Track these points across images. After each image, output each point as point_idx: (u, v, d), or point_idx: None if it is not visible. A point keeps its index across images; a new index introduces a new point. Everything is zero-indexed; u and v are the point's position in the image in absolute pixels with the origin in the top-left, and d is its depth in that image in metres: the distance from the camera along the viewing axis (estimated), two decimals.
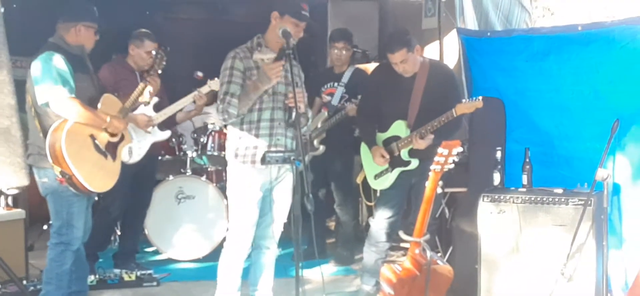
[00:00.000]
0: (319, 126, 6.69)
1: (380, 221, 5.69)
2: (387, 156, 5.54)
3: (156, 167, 6.91)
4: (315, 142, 6.70)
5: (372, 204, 6.19)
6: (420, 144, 5.36)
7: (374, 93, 5.74)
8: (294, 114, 4.62)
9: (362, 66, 7.28)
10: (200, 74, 6.89)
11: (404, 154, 5.50)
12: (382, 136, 5.63)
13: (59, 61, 4.83)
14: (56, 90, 4.76)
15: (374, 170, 5.69)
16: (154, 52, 5.52)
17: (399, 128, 5.53)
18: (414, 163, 5.49)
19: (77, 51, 5.05)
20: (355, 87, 6.61)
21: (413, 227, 4.76)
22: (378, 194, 5.88)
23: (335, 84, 6.86)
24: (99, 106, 5.01)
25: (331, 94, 6.85)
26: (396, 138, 5.53)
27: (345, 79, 6.84)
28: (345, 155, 6.87)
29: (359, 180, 6.11)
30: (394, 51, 5.40)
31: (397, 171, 5.56)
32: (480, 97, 5.30)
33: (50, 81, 4.77)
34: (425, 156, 5.35)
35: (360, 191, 6.21)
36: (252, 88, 4.73)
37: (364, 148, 5.80)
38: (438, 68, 5.66)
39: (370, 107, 5.76)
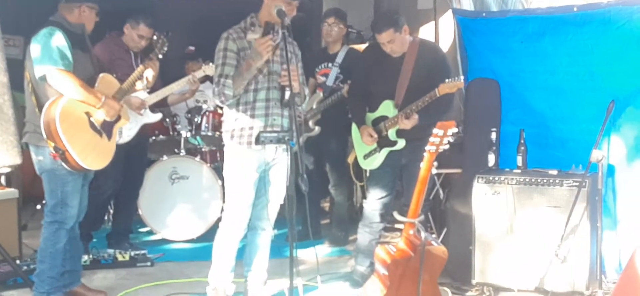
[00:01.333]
0: (314, 107, 6.67)
1: (372, 202, 5.69)
2: (375, 136, 5.53)
3: (147, 147, 6.90)
4: (311, 123, 6.68)
5: (362, 184, 6.19)
6: (406, 124, 5.36)
7: (363, 73, 5.74)
8: (287, 93, 4.61)
9: (356, 46, 7.26)
10: (191, 48, 6.87)
11: (392, 134, 5.50)
12: (371, 116, 5.63)
13: (59, 37, 4.82)
14: (51, 64, 4.75)
15: (363, 150, 5.70)
16: (154, 37, 5.48)
17: (386, 108, 5.53)
18: (401, 143, 5.49)
19: (77, 30, 5.03)
20: (350, 67, 6.59)
21: (406, 208, 4.76)
22: (368, 174, 5.87)
23: (330, 64, 6.85)
24: (96, 85, 4.98)
25: (326, 75, 6.82)
26: (384, 118, 5.53)
27: (339, 59, 6.82)
28: (340, 136, 6.86)
29: (350, 160, 6.12)
30: (381, 31, 5.39)
31: (385, 151, 5.56)
32: (463, 77, 5.29)
33: (48, 56, 4.76)
34: (413, 136, 5.37)
35: (351, 171, 6.21)
36: (245, 67, 4.71)
37: (354, 127, 5.80)
38: (427, 48, 5.64)
39: (360, 88, 5.76)
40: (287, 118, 4.90)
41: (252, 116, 4.83)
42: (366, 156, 5.69)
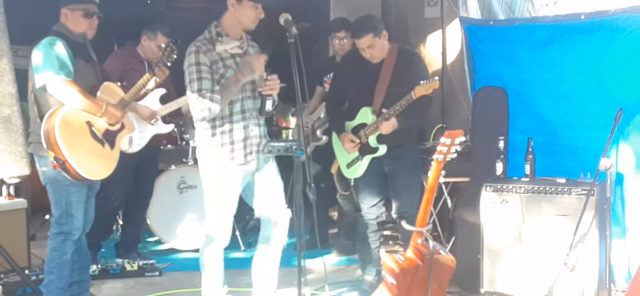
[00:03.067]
0: (322, 116, 6.66)
1: (366, 210, 5.66)
2: (357, 141, 5.48)
3: (158, 157, 6.90)
4: (319, 132, 6.66)
5: (347, 193, 6.15)
6: (385, 128, 5.33)
7: (342, 80, 5.72)
8: (268, 103, 4.60)
9: None
10: None
11: (372, 140, 5.45)
12: (350, 125, 5.58)
13: (59, 46, 4.81)
14: (52, 73, 4.73)
15: (346, 159, 5.66)
16: (163, 45, 5.49)
17: (365, 115, 5.49)
18: (382, 149, 5.43)
19: (79, 39, 5.02)
20: None
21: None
22: (352, 183, 5.84)
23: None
24: (98, 94, 4.98)
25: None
26: (363, 126, 5.49)
27: None
28: None
29: (333, 170, 6.08)
30: (360, 36, 5.37)
31: (367, 158, 5.51)
32: (436, 78, 5.26)
33: (48, 66, 4.75)
34: (393, 142, 5.36)
35: (335, 181, 6.18)
36: (232, 81, 4.66)
37: (334, 136, 5.77)
38: (406, 54, 5.59)
39: (338, 95, 5.74)
40: (263, 127, 4.87)
41: (231, 130, 4.76)
42: (349, 165, 5.65)
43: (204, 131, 4.82)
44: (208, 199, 4.92)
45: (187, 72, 4.72)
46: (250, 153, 4.78)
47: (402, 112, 5.27)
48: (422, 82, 5.20)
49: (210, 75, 4.69)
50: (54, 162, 4.71)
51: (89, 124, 4.88)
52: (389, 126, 5.30)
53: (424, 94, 5.20)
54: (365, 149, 5.51)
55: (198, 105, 4.67)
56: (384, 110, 5.33)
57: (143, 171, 6.49)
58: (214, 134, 4.78)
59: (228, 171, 4.79)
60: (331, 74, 6.86)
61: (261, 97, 4.74)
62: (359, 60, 5.51)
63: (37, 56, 4.81)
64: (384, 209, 5.66)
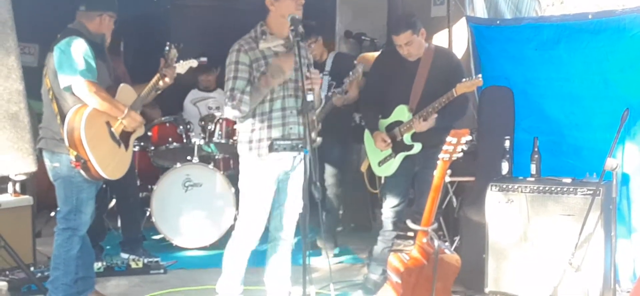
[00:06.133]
0: (314, 118, 6.61)
1: (386, 209, 5.69)
2: (389, 141, 5.52)
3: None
4: (313, 134, 6.61)
5: (376, 192, 6.16)
6: (423, 126, 5.34)
7: (378, 78, 5.74)
8: (307, 96, 4.57)
9: (369, 54, 7.24)
10: (203, 59, 6.85)
11: (407, 138, 5.48)
12: (384, 122, 5.61)
13: (82, 45, 4.82)
14: (79, 75, 4.75)
15: (378, 157, 5.68)
16: (166, 48, 5.47)
17: (401, 113, 5.51)
18: (417, 147, 5.47)
19: (98, 40, 5.04)
20: (340, 72, 6.50)
21: (418, 216, 4.75)
22: (382, 181, 5.86)
23: (320, 74, 6.78)
24: (116, 96, 5.01)
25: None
26: (398, 123, 5.52)
27: (327, 66, 6.79)
28: (340, 143, 6.82)
29: (363, 168, 6.08)
30: (399, 33, 5.39)
31: (400, 156, 5.54)
32: (480, 75, 5.27)
33: (75, 67, 4.76)
34: (428, 142, 5.36)
35: (365, 179, 6.18)
36: (263, 83, 4.66)
37: (367, 134, 5.78)
38: (443, 54, 5.64)
39: (374, 93, 5.75)
40: (304, 126, 4.86)
41: (269, 127, 4.76)
42: (381, 163, 5.68)
43: (243, 126, 4.85)
44: (242, 195, 4.92)
45: (226, 71, 4.77)
46: (278, 150, 4.74)
47: (439, 112, 5.30)
48: (464, 79, 5.22)
49: (247, 74, 4.71)
50: (76, 161, 4.73)
51: (108, 124, 4.92)
52: (426, 124, 5.32)
53: (465, 91, 5.25)
54: (399, 147, 5.53)
55: (228, 103, 4.71)
56: (417, 108, 5.38)
57: None
58: (253, 130, 4.78)
59: (263, 167, 4.78)
60: (321, 73, 6.79)
61: (302, 96, 4.71)
62: (395, 58, 5.53)
63: (62, 55, 4.82)
64: (403, 212, 5.66)
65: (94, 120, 4.80)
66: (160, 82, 5.29)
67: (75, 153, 4.73)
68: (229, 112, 4.78)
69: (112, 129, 4.94)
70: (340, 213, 7.66)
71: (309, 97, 4.48)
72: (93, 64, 4.84)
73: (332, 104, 6.43)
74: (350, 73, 6.22)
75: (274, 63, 4.66)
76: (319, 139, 6.52)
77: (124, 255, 6.47)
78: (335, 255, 6.80)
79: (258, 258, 5.09)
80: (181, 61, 5.57)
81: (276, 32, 4.79)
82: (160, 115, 7.46)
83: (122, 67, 6.56)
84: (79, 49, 4.81)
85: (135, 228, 6.82)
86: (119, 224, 7.15)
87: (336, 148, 6.78)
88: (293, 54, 4.60)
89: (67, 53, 4.81)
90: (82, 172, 4.79)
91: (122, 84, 5.13)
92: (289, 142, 4.58)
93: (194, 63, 5.77)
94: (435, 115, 5.31)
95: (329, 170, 6.90)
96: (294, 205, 4.92)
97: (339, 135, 6.73)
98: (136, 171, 7.04)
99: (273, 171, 4.80)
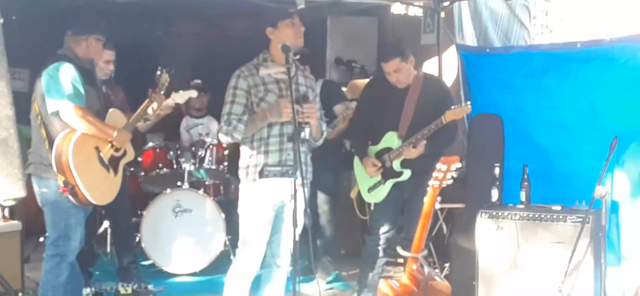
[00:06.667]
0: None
1: (376, 236, 5.68)
2: (379, 165, 5.53)
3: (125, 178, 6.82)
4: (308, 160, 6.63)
5: (366, 218, 6.16)
6: (412, 153, 5.36)
7: (367, 105, 5.76)
8: (305, 129, 4.59)
9: (360, 81, 7.26)
10: (198, 81, 6.88)
11: (396, 165, 5.49)
12: (374, 149, 5.63)
13: (70, 70, 4.82)
14: (66, 100, 4.75)
15: (368, 183, 5.69)
16: (158, 72, 5.46)
17: (390, 140, 5.53)
18: (406, 174, 5.48)
19: (86, 65, 5.04)
20: (328, 100, 6.48)
21: (407, 243, 4.75)
22: (371, 208, 5.86)
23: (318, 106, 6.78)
24: (106, 120, 5.00)
25: None
26: (388, 150, 5.54)
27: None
28: (331, 171, 6.82)
29: (353, 195, 6.09)
30: (388, 60, 5.43)
31: (390, 182, 5.55)
32: (469, 102, 5.30)
33: (62, 91, 4.76)
34: (418, 169, 5.38)
35: (355, 205, 6.18)
36: (261, 117, 4.68)
37: (356, 161, 5.79)
38: (432, 82, 5.67)
39: (363, 120, 5.77)
40: (302, 154, 4.78)
41: (266, 152, 4.75)
42: (370, 189, 5.69)
43: (243, 151, 4.86)
44: (240, 221, 4.90)
45: (226, 95, 4.81)
46: (269, 176, 4.74)
47: (429, 138, 5.31)
48: (453, 106, 5.25)
49: (245, 100, 4.75)
50: (64, 186, 4.71)
51: (97, 149, 4.91)
52: (415, 151, 5.33)
53: (454, 118, 5.28)
54: (388, 173, 5.55)
55: (223, 127, 4.75)
56: (406, 135, 5.40)
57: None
58: (250, 156, 4.79)
59: (260, 192, 4.77)
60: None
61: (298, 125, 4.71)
62: (385, 85, 5.56)
63: (50, 80, 4.81)
64: (393, 238, 5.66)
65: (83, 145, 4.79)
66: (149, 109, 5.29)
67: (63, 179, 4.71)
68: (223, 136, 4.81)
69: (101, 154, 4.93)
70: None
71: (303, 133, 4.49)
72: (81, 89, 4.83)
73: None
74: (343, 111, 6.24)
75: (276, 102, 4.67)
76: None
77: (112, 284, 6.41)
78: (327, 282, 6.80)
79: (253, 284, 5.07)
80: (181, 91, 5.59)
81: (277, 60, 4.79)
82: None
83: (121, 94, 6.54)
84: (67, 74, 4.81)
85: (128, 253, 6.77)
86: (109, 249, 7.13)
87: (329, 175, 6.78)
88: (297, 106, 4.58)
89: (55, 78, 4.80)
90: (70, 197, 4.77)
91: (111, 109, 5.13)
92: (279, 168, 4.58)
93: (193, 93, 5.80)
94: (424, 142, 5.34)
95: (323, 197, 6.90)
96: (290, 232, 4.90)
97: (331, 162, 6.73)
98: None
99: (269, 197, 4.78)
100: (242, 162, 4.85)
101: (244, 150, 4.84)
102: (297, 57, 4.63)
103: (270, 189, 4.75)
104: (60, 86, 4.78)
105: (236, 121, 4.70)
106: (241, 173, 4.86)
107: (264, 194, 4.77)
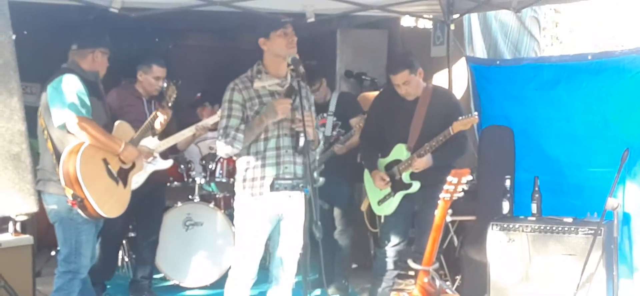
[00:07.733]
0: (317, 158, 6.61)
1: (386, 249, 5.67)
2: (387, 179, 5.53)
3: (164, 194, 6.87)
4: (315, 174, 6.59)
5: (376, 230, 6.16)
6: (420, 164, 5.36)
7: (376, 118, 5.76)
8: (301, 140, 4.59)
9: (370, 94, 7.25)
10: (198, 94, 6.90)
11: (405, 177, 5.49)
12: (383, 161, 5.63)
13: (74, 81, 4.81)
14: (72, 111, 4.74)
15: (377, 196, 5.69)
16: (164, 85, 5.50)
17: (399, 152, 5.54)
18: (415, 186, 5.47)
19: (91, 77, 5.03)
20: (345, 112, 6.51)
21: (418, 256, 4.73)
22: (382, 220, 5.86)
23: (325, 114, 6.79)
24: (113, 132, 5.01)
25: (323, 125, 6.77)
26: (397, 162, 5.54)
27: (332, 107, 6.75)
28: (351, 181, 6.81)
29: (363, 208, 6.08)
30: (397, 72, 5.44)
31: (399, 195, 5.55)
32: (476, 113, 5.29)
33: (68, 104, 4.75)
34: (427, 181, 5.37)
35: (365, 218, 6.17)
36: (256, 122, 4.66)
37: (366, 173, 5.79)
38: (441, 94, 5.67)
39: (373, 132, 5.77)
40: (300, 165, 4.78)
41: (263, 165, 4.73)
42: (380, 202, 5.68)
43: (239, 164, 4.85)
44: (236, 233, 4.90)
45: (221, 109, 4.81)
46: (279, 190, 4.75)
47: (437, 150, 5.31)
48: (460, 117, 5.25)
49: (240, 113, 4.73)
50: (72, 199, 4.70)
51: (105, 161, 4.90)
52: (423, 162, 5.34)
53: (462, 129, 5.28)
54: (397, 186, 5.55)
55: (221, 142, 4.72)
56: (415, 147, 5.41)
57: (147, 208, 6.45)
58: (247, 169, 4.77)
59: (256, 206, 4.75)
60: (319, 116, 6.77)
61: (296, 134, 4.71)
62: (394, 97, 5.57)
63: (54, 93, 4.82)
64: (404, 251, 5.65)
65: (90, 157, 4.78)
66: (157, 123, 5.30)
67: (72, 192, 4.69)
68: (222, 149, 4.76)
69: (109, 166, 4.92)
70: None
71: (301, 139, 4.50)
72: (87, 100, 4.83)
73: (333, 151, 6.42)
74: (357, 123, 6.23)
75: (270, 104, 4.68)
76: (321, 179, 6.54)
77: None
78: None
79: None
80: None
81: (271, 72, 4.79)
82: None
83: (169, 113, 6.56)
84: (71, 86, 4.80)
85: (146, 268, 6.72)
86: (120, 263, 7.13)
87: (345, 187, 6.74)
88: (289, 101, 4.60)
89: (59, 90, 4.80)
90: (79, 211, 4.76)
91: (118, 121, 5.13)
92: (289, 181, 4.57)
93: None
94: (430, 155, 5.32)
95: (340, 211, 6.85)
96: (294, 245, 4.89)
97: (347, 174, 6.70)
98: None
99: (266, 210, 4.76)
100: (239, 175, 4.83)
101: (241, 163, 4.82)
102: (292, 67, 4.61)
103: (267, 203, 4.74)
104: (64, 98, 4.77)
105: (234, 132, 4.68)
106: (238, 185, 4.83)
107: (261, 207, 4.75)
